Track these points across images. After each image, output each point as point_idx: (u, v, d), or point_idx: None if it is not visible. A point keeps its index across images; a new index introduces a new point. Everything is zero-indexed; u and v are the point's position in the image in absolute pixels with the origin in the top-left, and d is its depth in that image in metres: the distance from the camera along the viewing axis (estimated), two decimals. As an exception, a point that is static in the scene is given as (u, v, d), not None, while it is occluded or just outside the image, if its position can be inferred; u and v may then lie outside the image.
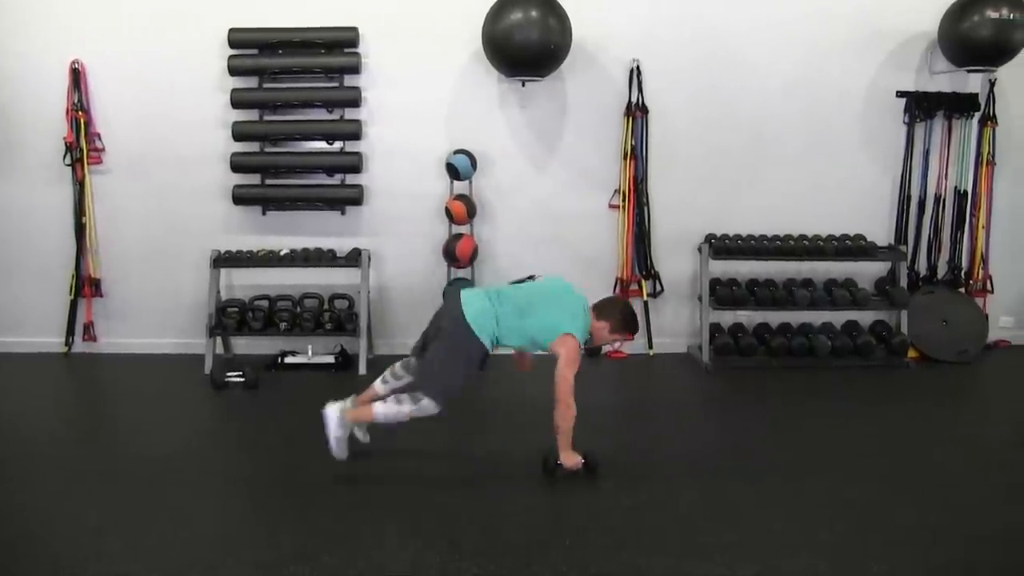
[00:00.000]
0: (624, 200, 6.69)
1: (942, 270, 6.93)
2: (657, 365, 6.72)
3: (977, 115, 6.75)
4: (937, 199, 6.83)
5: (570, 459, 4.28)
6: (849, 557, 3.58)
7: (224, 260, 6.52)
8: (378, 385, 4.53)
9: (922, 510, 4.03)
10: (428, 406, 4.16)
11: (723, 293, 6.57)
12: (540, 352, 4.42)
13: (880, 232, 6.83)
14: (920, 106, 6.66)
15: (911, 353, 6.61)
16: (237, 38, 6.43)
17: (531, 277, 4.77)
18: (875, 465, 4.58)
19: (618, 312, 4.51)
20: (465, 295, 4.34)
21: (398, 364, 4.57)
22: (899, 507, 4.07)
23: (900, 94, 6.69)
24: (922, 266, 6.93)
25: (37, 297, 6.83)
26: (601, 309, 4.48)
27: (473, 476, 4.39)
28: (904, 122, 6.73)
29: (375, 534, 3.75)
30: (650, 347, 6.89)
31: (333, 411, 4.26)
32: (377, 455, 4.69)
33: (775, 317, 6.79)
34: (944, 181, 6.81)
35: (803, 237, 6.66)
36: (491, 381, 5.62)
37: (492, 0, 6.09)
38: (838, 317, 6.79)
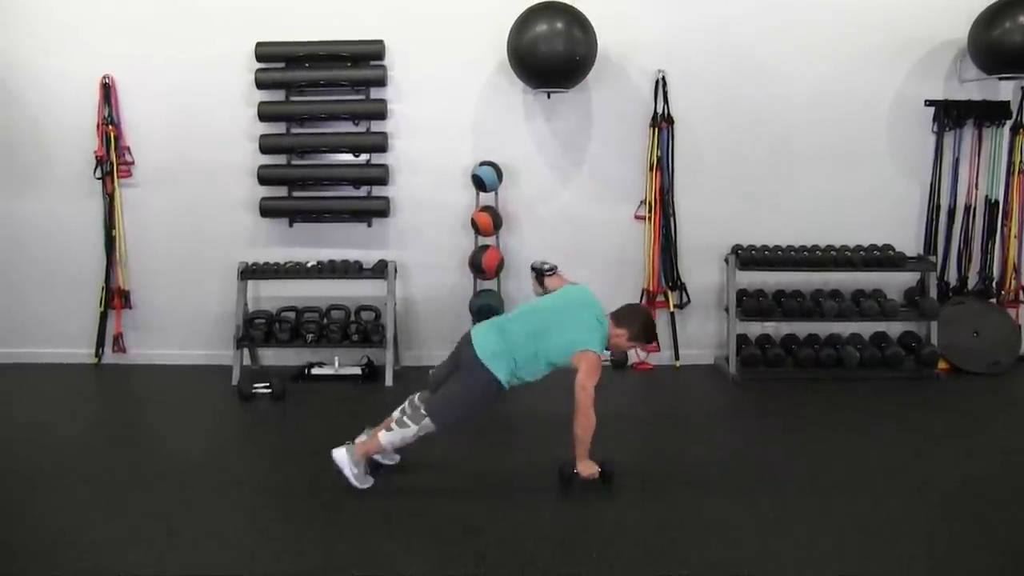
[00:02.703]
0: (650, 211, 6.70)
1: (973, 280, 6.86)
2: (684, 376, 6.71)
3: (1009, 123, 6.68)
4: (967, 208, 6.77)
5: (587, 468, 4.31)
6: (879, 571, 3.58)
7: (251, 272, 6.60)
8: (396, 415, 4.51)
9: (953, 524, 4.02)
10: (429, 427, 4.30)
11: (750, 304, 6.56)
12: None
13: (909, 242, 6.78)
14: (949, 114, 6.61)
15: (941, 364, 6.56)
16: (264, 52, 6.52)
17: (553, 268, 4.76)
18: (905, 478, 4.56)
19: (638, 321, 4.53)
20: (477, 335, 4.39)
21: (416, 396, 4.63)
22: (930, 521, 4.06)
23: (929, 103, 6.65)
24: (952, 276, 6.86)
25: (68, 309, 6.94)
26: (621, 317, 4.51)
27: (498, 489, 4.42)
28: (933, 131, 6.68)
29: (400, 547, 3.78)
30: (676, 358, 6.88)
31: (339, 452, 4.37)
32: (401, 469, 4.73)
33: (802, 328, 6.76)
34: (974, 190, 6.76)
35: (831, 247, 6.64)
36: (513, 396, 5.60)
37: (517, 12, 6.14)
38: (866, 328, 6.74)
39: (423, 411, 4.30)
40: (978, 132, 6.70)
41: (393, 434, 4.33)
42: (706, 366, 6.87)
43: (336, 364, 6.61)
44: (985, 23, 6.21)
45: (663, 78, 6.59)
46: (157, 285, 6.92)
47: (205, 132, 6.71)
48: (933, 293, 6.67)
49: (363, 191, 6.72)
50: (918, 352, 6.49)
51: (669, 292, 6.82)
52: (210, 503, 4.27)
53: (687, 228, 6.79)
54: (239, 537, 3.91)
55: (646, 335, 4.55)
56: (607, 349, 4.48)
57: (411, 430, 4.28)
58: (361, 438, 4.52)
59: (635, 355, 6.79)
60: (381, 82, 6.59)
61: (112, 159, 6.66)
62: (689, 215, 6.77)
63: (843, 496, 4.30)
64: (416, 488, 4.47)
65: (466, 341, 4.39)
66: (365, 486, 4.37)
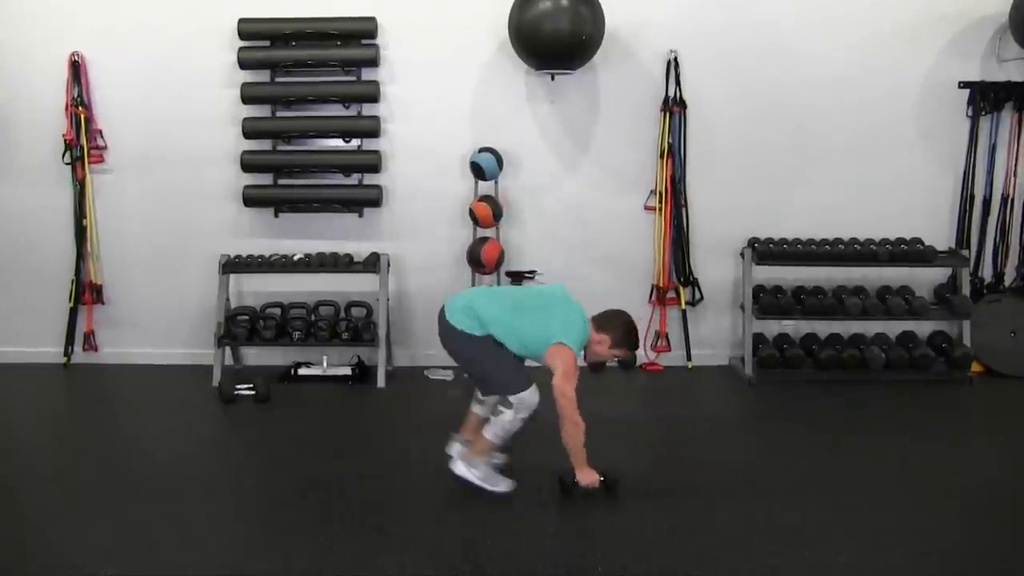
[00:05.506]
0: (660, 201, 6.70)
1: (1010, 276, 6.84)
2: (696, 378, 6.72)
3: (1053, 107, 6.59)
4: (1004, 199, 6.73)
5: (587, 476, 4.29)
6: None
7: (234, 265, 6.58)
8: (475, 408, 4.57)
9: (985, 538, 4.01)
10: (521, 402, 4.24)
11: (767, 301, 6.55)
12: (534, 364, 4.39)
13: (940, 235, 6.75)
14: (986, 97, 6.58)
15: (975, 367, 6.54)
16: (248, 29, 6.50)
17: (532, 273, 4.79)
18: (933, 489, 4.53)
19: (620, 325, 4.43)
20: (449, 308, 4.40)
21: (474, 399, 4.68)
22: (960, 534, 4.05)
23: (963, 84, 6.62)
24: (987, 272, 6.83)
25: (35, 305, 6.91)
26: (602, 322, 4.42)
27: (498, 499, 4.36)
28: (967, 115, 6.65)
29: (395, 559, 3.74)
30: (689, 359, 6.88)
31: (459, 465, 4.38)
32: (398, 474, 4.75)
33: (824, 327, 6.75)
34: (1012, 179, 6.70)
35: (854, 241, 6.60)
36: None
37: (519, -13, 6.07)
38: (893, 327, 6.72)
39: (493, 401, 4.37)
40: (1018, 116, 6.63)
41: (494, 427, 4.29)
42: (720, 367, 6.88)
43: (324, 364, 6.59)
44: (1029, -4, 6.06)
45: (675, 59, 6.58)
46: (132, 279, 6.90)
47: (184, 115, 6.67)
48: (966, 290, 6.61)
49: (354, 179, 6.71)
50: (949, 354, 6.46)
51: (681, 288, 6.82)
52: (189, 511, 4.23)
53: (700, 220, 6.79)
54: (221, 550, 3.86)
55: (629, 342, 4.44)
56: (585, 355, 4.42)
57: (504, 415, 4.25)
58: (455, 448, 4.52)
59: (644, 356, 6.81)
60: (373, 62, 6.57)
61: (83, 143, 6.62)
62: (702, 206, 6.77)
63: (865, 506, 4.27)
64: (410, 495, 4.45)
65: (441, 322, 4.41)
66: (501, 488, 4.36)
